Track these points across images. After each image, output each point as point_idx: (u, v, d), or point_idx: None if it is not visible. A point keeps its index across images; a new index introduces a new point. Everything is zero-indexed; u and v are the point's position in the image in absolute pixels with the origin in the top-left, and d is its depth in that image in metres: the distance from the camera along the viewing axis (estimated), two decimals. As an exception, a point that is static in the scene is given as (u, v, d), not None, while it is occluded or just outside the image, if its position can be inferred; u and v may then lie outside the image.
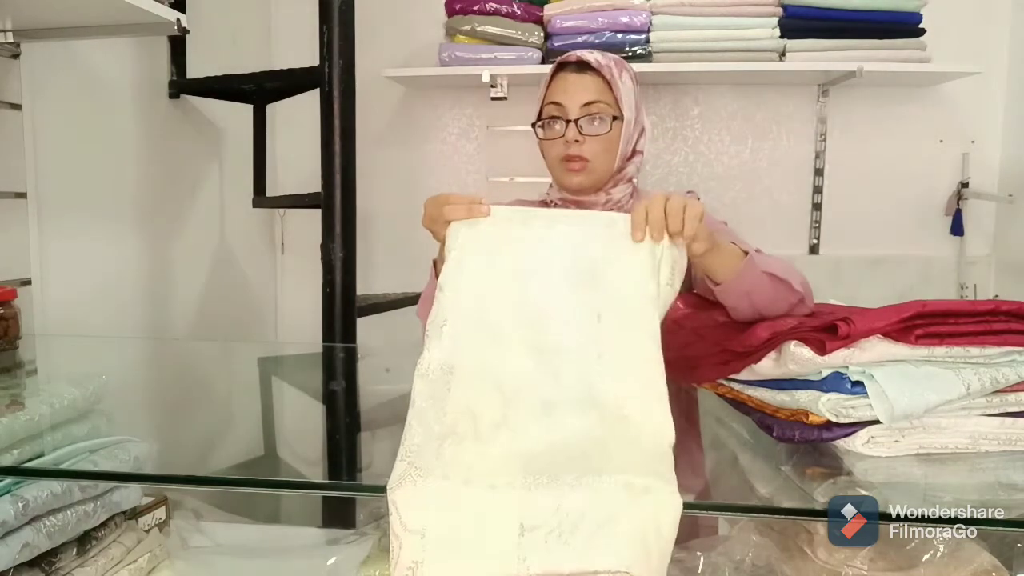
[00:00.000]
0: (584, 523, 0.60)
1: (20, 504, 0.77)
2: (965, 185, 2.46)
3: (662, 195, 0.82)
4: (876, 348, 0.77)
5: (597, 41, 2.28)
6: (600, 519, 0.60)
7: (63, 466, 0.81)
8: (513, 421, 0.69)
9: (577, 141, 1.20)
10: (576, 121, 1.20)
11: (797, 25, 2.25)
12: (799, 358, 0.78)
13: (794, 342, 0.80)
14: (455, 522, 0.62)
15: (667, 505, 0.61)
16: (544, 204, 1.32)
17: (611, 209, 1.24)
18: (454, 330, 0.77)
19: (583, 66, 1.22)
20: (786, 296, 0.91)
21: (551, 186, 1.31)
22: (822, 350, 0.77)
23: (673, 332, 0.83)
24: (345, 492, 1.03)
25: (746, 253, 0.92)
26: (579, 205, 1.25)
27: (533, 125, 1.26)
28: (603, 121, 1.20)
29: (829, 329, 0.78)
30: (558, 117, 1.21)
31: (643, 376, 0.72)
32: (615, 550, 0.58)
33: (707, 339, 0.95)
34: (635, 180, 1.28)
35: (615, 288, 0.78)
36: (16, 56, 1.46)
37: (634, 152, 1.26)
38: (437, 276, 1.01)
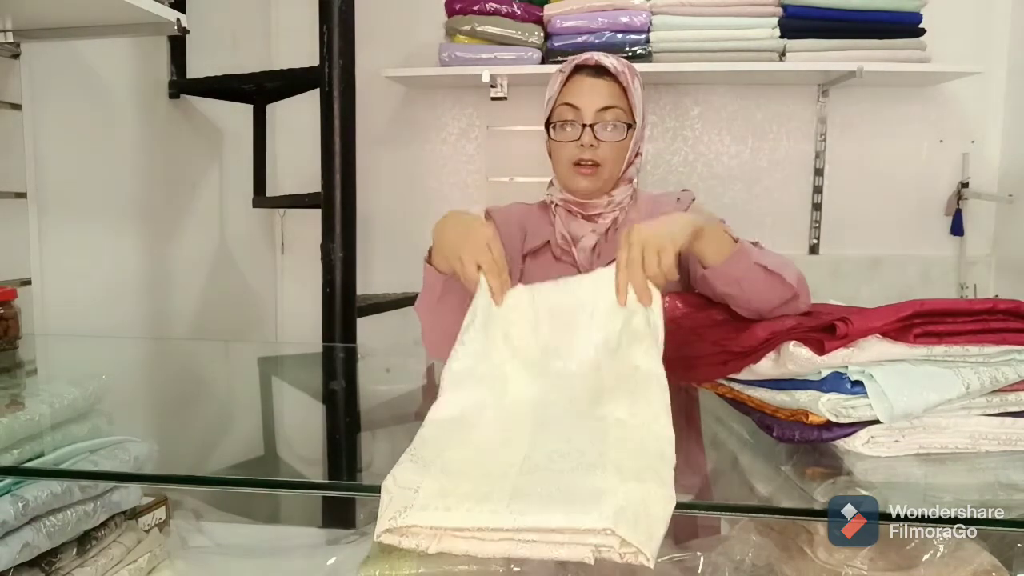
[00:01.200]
0: (575, 495, 0.62)
1: (20, 504, 0.77)
2: (965, 185, 2.46)
3: (634, 255, 0.85)
4: (875, 348, 0.77)
5: (597, 41, 2.28)
6: (591, 493, 0.61)
7: (63, 466, 0.81)
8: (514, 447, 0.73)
9: (592, 146, 1.19)
10: (592, 126, 1.19)
11: (797, 25, 2.25)
12: (798, 358, 0.78)
13: (793, 342, 0.80)
14: (450, 486, 0.64)
15: (660, 495, 0.62)
16: (545, 207, 1.32)
17: (612, 209, 1.25)
18: (470, 383, 0.83)
19: (600, 70, 1.20)
20: (778, 289, 0.91)
21: (551, 184, 1.30)
22: (820, 350, 0.77)
23: (672, 332, 0.83)
24: (345, 492, 1.03)
25: (736, 241, 0.94)
26: (582, 206, 1.25)
27: (546, 125, 1.24)
28: (618, 128, 1.20)
29: (827, 329, 0.78)
30: (573, 120, 1.20)
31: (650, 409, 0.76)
32: (601, 510, 0.59)
33: (706, 339, 0.95)
34: (635, 181, 1.29)
35: (619, 357, 0.83)
36: (16, 56, 1.46)
37: (636, 154, 1.27)
38: (430, 262, 1.04)
